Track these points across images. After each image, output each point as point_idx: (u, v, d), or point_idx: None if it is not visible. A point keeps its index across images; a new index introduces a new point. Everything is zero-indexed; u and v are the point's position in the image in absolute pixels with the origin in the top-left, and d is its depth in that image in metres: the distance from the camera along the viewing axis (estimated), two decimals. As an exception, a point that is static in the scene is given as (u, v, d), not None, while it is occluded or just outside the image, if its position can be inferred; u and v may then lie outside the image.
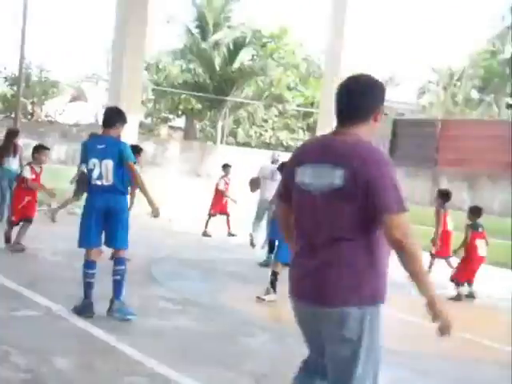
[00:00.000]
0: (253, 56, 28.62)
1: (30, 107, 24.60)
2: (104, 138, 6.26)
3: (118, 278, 6.25)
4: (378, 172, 2.80)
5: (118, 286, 6.24)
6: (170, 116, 30.81)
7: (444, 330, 2.90)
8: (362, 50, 19.26)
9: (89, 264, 6.31)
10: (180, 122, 32.09)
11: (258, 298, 7.85)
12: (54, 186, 16.65)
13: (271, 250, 10.25)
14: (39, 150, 9.85)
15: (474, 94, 30.73)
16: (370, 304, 2.86)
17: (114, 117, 6.33)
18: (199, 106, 27.69)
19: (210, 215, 13.82)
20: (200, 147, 21.82)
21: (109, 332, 5.67)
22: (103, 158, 6.12)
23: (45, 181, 16.63)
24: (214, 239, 13.13)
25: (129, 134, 15.69)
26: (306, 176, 2.96)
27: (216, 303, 7.56)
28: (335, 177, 2.86)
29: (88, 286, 6.25)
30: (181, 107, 28.72)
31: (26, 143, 17.26)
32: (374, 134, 3.03)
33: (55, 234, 12.04)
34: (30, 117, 24.01)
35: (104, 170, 6.15)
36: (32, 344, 5.13)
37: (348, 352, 2.89)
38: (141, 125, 19.62)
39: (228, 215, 13.89)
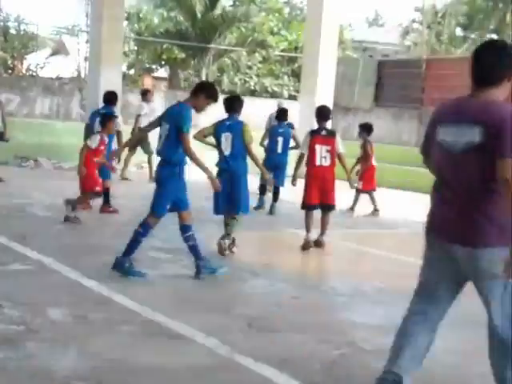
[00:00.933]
0: (234, 2, 28.24)
1: (10, 62, 24.22)
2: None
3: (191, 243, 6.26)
4: (508, 126, 3.15)
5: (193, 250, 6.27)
6: (153, 66, 30.45)
7: None
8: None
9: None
10: (163, 72, 31.77)
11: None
12: (41, 140, 16.66)
13: (262, 193, 10.51)
14: (111, 118, 8.99)
15: (459, 32, 30.53)
16: (506, 244, 3.16)
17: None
18: (182, 55, 27.36)
19: None
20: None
21: (101, 283, 5.72)
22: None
23: (32, 136, 16.59)
24: (201, 189, 13.13)
25: (112, 86, 15.58)
26: (447, 134, 3.36)
27: (206, 251, 7.61)
28: (474, 134, 3.23)
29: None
30: (164, 57, 28.38)
31: (7, 98, 17.09)
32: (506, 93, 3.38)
33: (43, 188, 12.05)
34: (10, 71, 23.65)
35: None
36: (25, 297, 5.18)
37: (499, 286, 3.28)
38: (124, 76, 19.38)
39: None
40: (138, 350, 4.26)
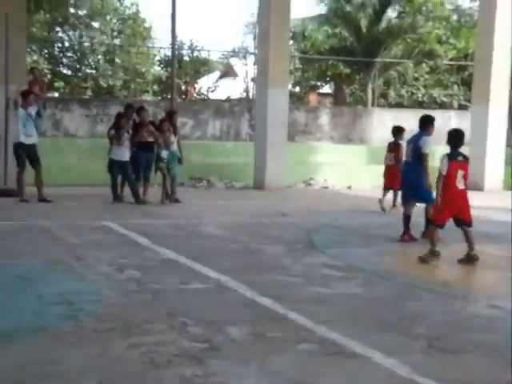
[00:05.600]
0: (400, 13, 27.81)
1: (183, 87, 25.40)
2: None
3: None
4: None
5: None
6: (318, 83, 30.68)
7: None
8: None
9: None
10: (329, 88, 31.93)
11: (421, 258, 7.76)
12: (212, 161, 17.32)
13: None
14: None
15: None
16: None
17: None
18: (347, 70, 27.34)
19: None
20: (350, 112, 21.54)
21: (276, 301, 5.78)
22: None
23: (204, 157, 17.29)
24: (371, 204, 13.01)
25: (279, 105, 15.88)
26: None
27: (379, 268, 7.49)
28: None
29: None
30: (329, 73, 28.51)
31: (182, 122, 17.94)
32: None
33: (217, 207, 12.49)
34: (184, 96, 24.82)
35: None
36: (205, 315, 5.34)
37: None
38: (290, 94, 19.68)
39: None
40: (317, 370, 4.24)
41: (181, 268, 7.13)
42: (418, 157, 8.96)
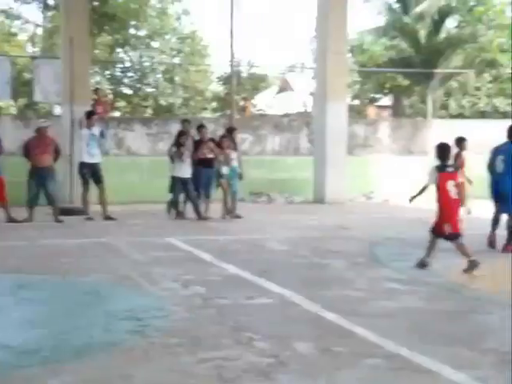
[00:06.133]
0: (459, 23, 27.48)
1: (242, 103, 25.63)
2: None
3: None
4: None
5: None
6: (377, 96, 30.54)
7: None
8: None
9: None
10: (387, 100, 31.73)
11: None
12: (272, 176, 17.39)
13: None
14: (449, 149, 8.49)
15: None
16: None
17: None
18: (406, 82, 27.13)
19: None
20: (410, 124, 21.32)
21: (341, 315, 5.76)
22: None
23: (264, 172, 17.35)
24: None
25: (338, 119, 15.87)
26: None
27: (445, 281, 7.39)
28: None
29: None
30: (387, 85, 28.35)
31: (242, 138, 18.07)
32: None
33: (277, 222, 12.52)
34: (242, 112, 25.04)
35: None
36: (271, 329, 5.36)
37: None
38: (349, 108, 19.65)
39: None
40: (385, 385, 4.21)
41: (245, 283, 7.17)
42: (510, 167, 9.02)
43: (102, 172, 12.81)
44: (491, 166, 9.36)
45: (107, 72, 27.31)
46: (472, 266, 7.76)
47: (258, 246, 9.75)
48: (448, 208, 7.95)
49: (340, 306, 6.11)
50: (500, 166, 9.13)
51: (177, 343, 4.96)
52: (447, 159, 8.10)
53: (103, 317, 5.72)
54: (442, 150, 8.13)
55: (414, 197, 8.23)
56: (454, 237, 7.92)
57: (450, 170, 8.02)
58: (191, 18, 29.71)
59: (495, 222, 9.54)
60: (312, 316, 5.88)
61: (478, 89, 26.13)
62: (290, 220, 12.86)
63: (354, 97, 28.60)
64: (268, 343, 4.96)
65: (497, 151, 9.28)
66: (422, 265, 7.99)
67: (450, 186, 7.89)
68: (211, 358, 4.62)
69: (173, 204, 12.80)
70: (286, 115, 25.30)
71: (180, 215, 12.78)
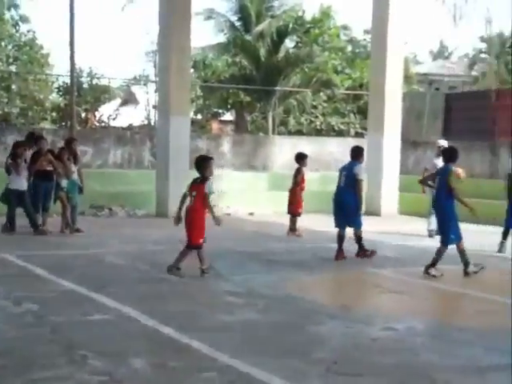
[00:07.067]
0: (297, 43, 28.54)
1: (83, 115, 25.04)
2: None
3: None
4: None
5: None
6: (220, 111, 30.96)
7: None
8: (407, 25, 18.94)
9: None
10: (230, 115, 32.25)
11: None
12: (114, 189, 17.10)
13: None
14: (207, 161, 8.42)
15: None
16: None
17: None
18: (248, 98, 27.74)
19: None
20: (252, 139, 21.81)
21: (178, 330, 5.78)
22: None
23: (106, 186, 17.03)
24: (272, 231, 13.21)
25: (181, 133, 15.92)
26: None
27: (281, 293, 7.62)
28: None
29: None
30: (230, 101, 28.82)
31: (82, 150, 17.63)
32: None
33: (118, 236, 12.32)
34: (84, 124, 24.46)
35: None
36: (106, 347, 5.28)
37: None
38: (192, 122, 19.78)
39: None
40: (219, 398, 4.27)
41: (81, 299, 7.00)
42: (351, 183, 9.91)
43: None
44: (338, 183, 10.27)
45: None
46: (203, 272, 8.21)
47: (97, 260, 9.55)
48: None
49: (178, 321, 6.13)
50: (343, 180, 10.05)
51: (2, 365, 4.75)
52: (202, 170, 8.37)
53: None
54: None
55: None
56: (194, 247, 8.24)
57: (198, 181, 8.27)
58: (30, 25, 28.44)
59: (340, 238, 10.09)
60: (149, 331, 5.85)
61: (314, 107, 27.21)
62: (131, 234, 12.71)
63: (197, 111, 28.83)
64: (103, 361, 4.88)
65: (343, 169, 10.27)
66: (171, 270, 8.28)
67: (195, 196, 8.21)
68: (40, 378, 4.47)
69: (8, 218, 12.24)
70: (129, 128, 25.03)
71: (14, 229, 12.24)
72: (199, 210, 8.22)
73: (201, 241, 8.25)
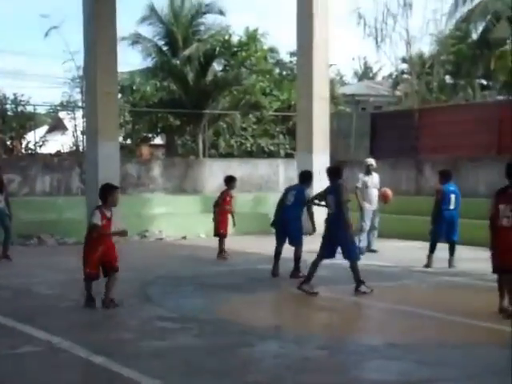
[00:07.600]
0: (225, 66, 28.70)
1: (8, 142, 24.51)
2: None
3: None
4: None
5: None
6: (150, 135, 30.76)
7: None
8: (332, 47, 19.31)
9: None
10: (160, 139, 32.07)
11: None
12: (43, 217, 16.76)
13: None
14: (110, 190, 8.08)
15: (448, 80, 30.89)
16: None
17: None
18: (177, 122, 27.69)
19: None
20: (183, 162, 21.78)
21: (111, 358, 5.70)
22: None
23: (34, 214, 16.68)
24: (204, 254, 13.20)
25: (110, 158, 15.78)
26: None
27: (214, 317, 7.61)
28: None
29: None
30: (159, 125, 28.70)
31: (8, 179, 17.24)
32: None
33: (47, 265, 12.07)
34: (10, 152, 23.93)
35: None
36: (36, 380, 5.16)
37: None
38: (121, 147, 19.61)
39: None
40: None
41: (9, 331, 6.83)
42: (299, 204, 10.20)
43: None
44: (282, 201, 10.53)
45: None
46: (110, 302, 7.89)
47: (25, 290, 9.33)
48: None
49: (110, 349, 6.04)
50: (290, 199, 10.34)
51: None
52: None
53: None
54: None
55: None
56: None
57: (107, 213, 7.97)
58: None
59: (277, 254, 10.43)
60: (81, 362, 5.75)
61: (244, 129, 27.37)
62: (61, 262, 12.46)
63: (127, 136, 28.54)
64: (31, 395, 4.77)
65: (289, 189, 10.72)
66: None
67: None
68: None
69: None
70: (57, 154, 24.62)
71: None
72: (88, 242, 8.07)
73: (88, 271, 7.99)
